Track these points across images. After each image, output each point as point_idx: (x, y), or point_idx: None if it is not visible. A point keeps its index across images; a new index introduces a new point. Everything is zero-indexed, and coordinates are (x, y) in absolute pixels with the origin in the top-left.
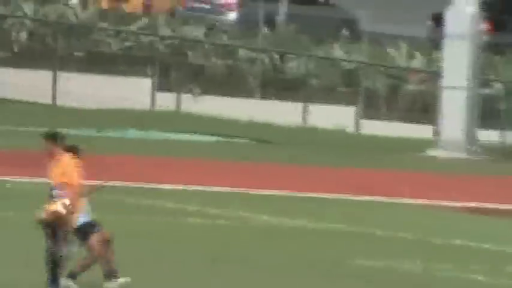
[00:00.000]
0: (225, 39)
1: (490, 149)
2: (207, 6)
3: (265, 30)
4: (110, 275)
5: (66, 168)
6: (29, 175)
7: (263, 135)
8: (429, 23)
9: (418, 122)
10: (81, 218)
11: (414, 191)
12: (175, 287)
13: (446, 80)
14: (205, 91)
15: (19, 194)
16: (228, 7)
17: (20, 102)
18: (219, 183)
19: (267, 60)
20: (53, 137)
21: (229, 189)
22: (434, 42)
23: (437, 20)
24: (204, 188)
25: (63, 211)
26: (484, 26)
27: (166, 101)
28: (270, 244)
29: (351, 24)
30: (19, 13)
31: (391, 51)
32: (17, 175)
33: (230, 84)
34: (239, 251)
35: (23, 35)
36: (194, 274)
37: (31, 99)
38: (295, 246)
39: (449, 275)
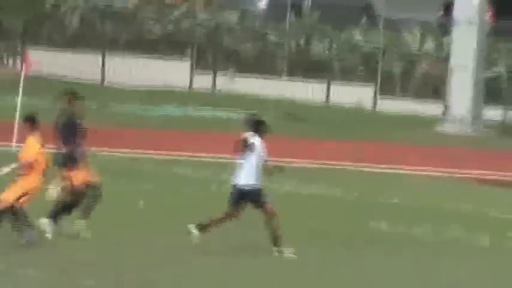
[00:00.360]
0: (256, 24)
1: (493, 126)
2: None
3: (292, 17)
4: None
5: (27, 148)
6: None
7: (290, 112)
8: (440, 11)
9: (429, 100)
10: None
11: (423, 162)
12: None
13: (455, 63)
14: (239, 72)
15: None
16: None
17: (72, 82)
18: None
19: (293, 44)
20: (31, 120)
21: None
22: (444, 29)
23: (447, 8)
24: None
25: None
26: (489, 14)
27: (203, 81)
28: (291, 209)
29: (368, 10)
30: (71, 1)
31: (405, 35)
32: None
33: (261, 66)
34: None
35: (75, 21)
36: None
37: (82, 79)
38: (317, 212)
39: (458, 238)
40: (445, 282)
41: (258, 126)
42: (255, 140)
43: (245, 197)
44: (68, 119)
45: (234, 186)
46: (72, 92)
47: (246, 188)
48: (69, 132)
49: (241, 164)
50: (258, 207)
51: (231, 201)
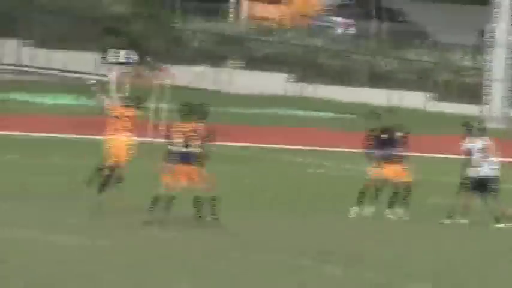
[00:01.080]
0: (341, 46)
1: None
2: (327, 24)
3: (366, 40)
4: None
5: None
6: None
7: (364, 112)
8: (477, 34)
9: (470, 103)
10: (483, 170)
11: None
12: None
13: (494, 74)
14: (325, 82)
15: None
16: (347, 25)
17: (194, 89)
18: (332, 145)
19: (370, 60)
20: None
21: (332, 149)
22: (479, 48)
23: (482, 32)
24: (321, 149)
25: None
26: None
27: (297, 88)
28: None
29: (423, 35)
30: (192, 27)
31: (449, 53)
32: None
33: (343, 77)
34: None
35: (195, 43)
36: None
37: (202, 87)
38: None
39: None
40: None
41: None
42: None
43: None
44: (382, 131)
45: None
46: (390, 108)
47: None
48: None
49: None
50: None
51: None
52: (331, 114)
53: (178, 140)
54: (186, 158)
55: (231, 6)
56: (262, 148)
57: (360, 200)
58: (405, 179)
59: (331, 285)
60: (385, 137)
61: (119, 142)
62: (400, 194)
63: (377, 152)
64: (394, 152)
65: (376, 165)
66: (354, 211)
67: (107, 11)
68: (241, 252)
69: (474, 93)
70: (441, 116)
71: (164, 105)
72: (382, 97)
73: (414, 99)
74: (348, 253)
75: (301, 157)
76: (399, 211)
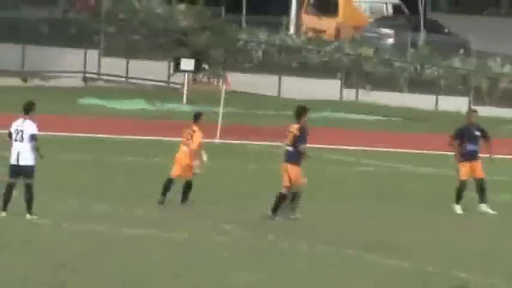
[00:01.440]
0: (389, 55)
1: None
2: (375, 35)
3: (411, 50)
4: None
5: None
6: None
7: (409, 116)
8: None
9: (509, 107)
10: None
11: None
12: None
13: None
14: (373, 88)
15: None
16: (388, 35)
17: (255, 95)
18: (373, 145)
19: (412, 68)
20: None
21: (379, 149)
22: None
23: None
24: (366, 148)
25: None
26: None
27: (349, 94)
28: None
29: (464, 45)
30: (256, 39)
31: (490, 62)
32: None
33: (390, 84)
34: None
35: (259, 53)
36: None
37: (262, 93)
38: (418, 188)
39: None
40: None
41: None
42: None
43: None
44: (462, 128)
45: None
46: (473, 109)
47: None
48: (462, 137)
49: None
50: None
51: None
52: (377, 117)
53: (287, 140)
54: (290, 157)
55: (291, 20)
56: (317, 148)
57: (459, 198)
58: (482, 175)
59: (396, 277)
60: (478, 134)
61: (183, 153)
62: (484, 189)
63: (463, 148)
64: (477, 149)
65: (463, 162)
66: (458, 208)
67: (176, 25)
68: (297, 244)
69: None
70: (482, 119)
71: (221, 110)
72: (426, 102)
73: (455, 104)
74: (402, 245)
75: (353, 156)
76: (483, 205)
